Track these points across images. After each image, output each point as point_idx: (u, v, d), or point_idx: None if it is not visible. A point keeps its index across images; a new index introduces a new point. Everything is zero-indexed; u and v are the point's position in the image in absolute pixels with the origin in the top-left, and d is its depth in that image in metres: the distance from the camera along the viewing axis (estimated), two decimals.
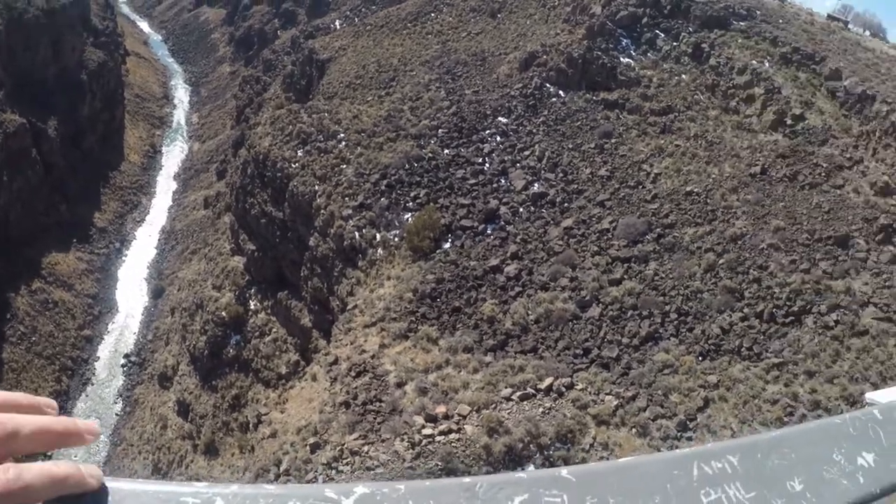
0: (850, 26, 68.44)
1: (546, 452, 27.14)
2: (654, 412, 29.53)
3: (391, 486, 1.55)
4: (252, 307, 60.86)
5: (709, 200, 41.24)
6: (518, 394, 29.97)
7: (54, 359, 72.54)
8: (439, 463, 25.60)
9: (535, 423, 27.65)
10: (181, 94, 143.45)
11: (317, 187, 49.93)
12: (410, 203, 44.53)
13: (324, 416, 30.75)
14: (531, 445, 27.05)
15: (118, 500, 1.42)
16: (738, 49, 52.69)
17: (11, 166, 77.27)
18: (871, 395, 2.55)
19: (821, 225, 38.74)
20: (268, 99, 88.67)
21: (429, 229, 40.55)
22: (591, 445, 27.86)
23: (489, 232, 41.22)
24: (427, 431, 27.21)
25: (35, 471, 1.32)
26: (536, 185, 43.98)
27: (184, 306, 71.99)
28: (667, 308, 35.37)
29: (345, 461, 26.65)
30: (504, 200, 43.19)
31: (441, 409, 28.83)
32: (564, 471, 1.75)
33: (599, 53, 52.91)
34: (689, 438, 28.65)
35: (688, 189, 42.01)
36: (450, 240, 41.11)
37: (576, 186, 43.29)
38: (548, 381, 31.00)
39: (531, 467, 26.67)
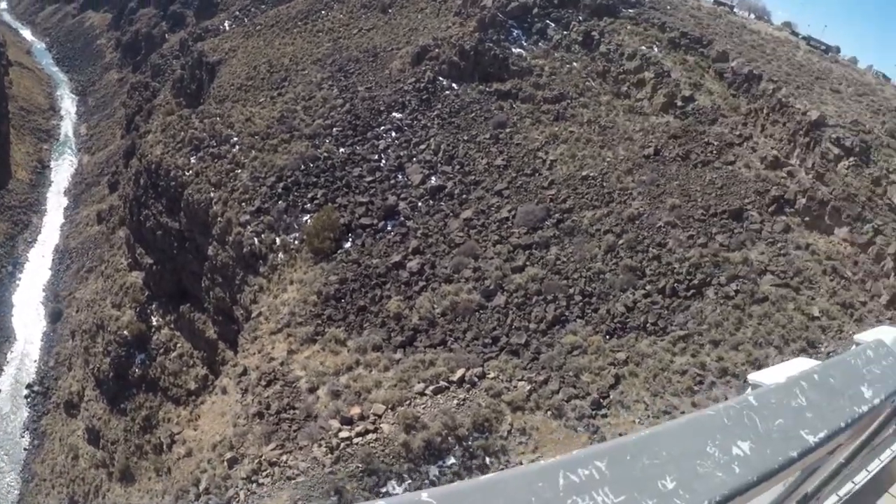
0: (735, 10, 71.40)
1: (465, 443, 27.22)
2: (567, 393, 30.10)
3: None
4: (155, 323, 58.71)
5: (605, 183, 42.16)
6: (431, 388, 29.99)
7: None
8: (360, 465, 25.28)
9: (451, 416, 27.71)
10: (68, 104, 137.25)
11: (212, 194, 48.50)
12: (308, 204, 43.78)
13: (238, 430, 29.99)
14: (449, 438, 27.06)
15: None
16: (627, 35, 54.17)
17: None
18: (753, 377, 2.48)
19: (715, 200, 40.21)
20: (158, 105, 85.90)
21: (328, 230, 39.95)
22: (509, 432, 28.18)
23: (389, 228, 40.98)
24: (344, 434, 26.90)
25: None
26: (434, 178, 44.01)
27: (84, 328, 68.85)
28: (571, 291, 36.03)
29: (264, 473, 26.04)
30: (402, 196, 43.03)
31: (356, 411, 28.55)
32: (425, 494, 1.68)
33: (491, 45, 53.35)
34: (605, 416, 29.33)
35: (584, 173, 42.82)
36: (350, 239, 40.64)
37: (473, 177, 43.50)
38: (459, 372, 31.16)
39: (452, 459, 26.65)
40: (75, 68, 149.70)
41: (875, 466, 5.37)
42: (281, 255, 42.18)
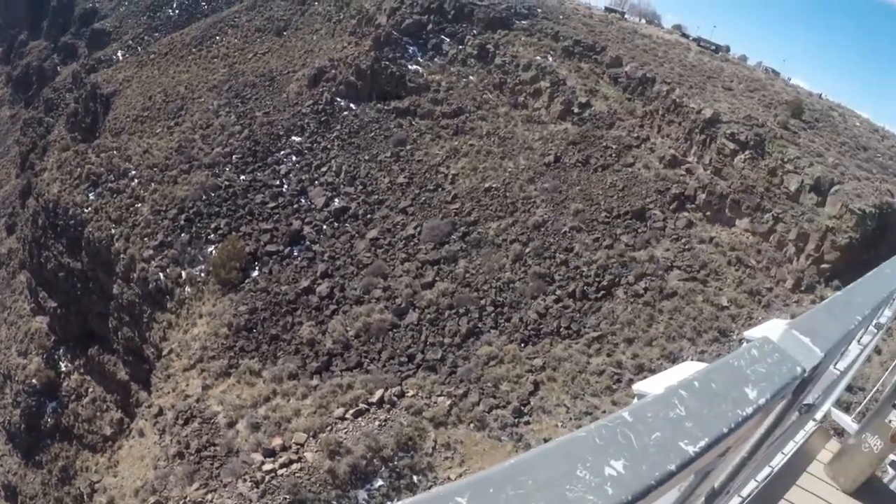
0: (626, 16, 73.92)
1: (391, 464, 27.22)
2: (487, 404, 30.55)
3: None
4: (64, 369, 56.68)
5: (508, 194, 42.96)
6: (351, 411, 29.91)
7: None
8: (287, 497, 25.01)
9: (374, 438, 27.68)
10: None
11: (113, 231, 47.28)
12: (212, 235, 43.16)
13: (159, 472, 29.29)
14: (374, 460, 27.02)
15: None
16: (521, 47, 55.37)
17: None
18: (638, 387, 2.63)
19: (617, 202, 41.47)
20: (53, 141, 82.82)
21: (234, 259, 39.47)
22: (434, 448, 28.34)
23: (296, 254, 40.76)
24: (268, 467, 26.54)
25: None
26: (337, 200, 44.01)
27: None
28: (482, 302, 36.56)
29: None
30: (307, 220, 42.87)
31: (277, 442, 28.26)
32: None
33: (387, 63, 53.73)
34: (527, 423, 29.87)
35: (486, 185, 43.55)
36: (257, 267, 40.27)
37: (376, 197, 43.70)
38: (378, 393, 31.21)
39: (379, 482, 26.66)
40: None
41: (790, 448, 5.78)
42: (188, 288, 41.43)
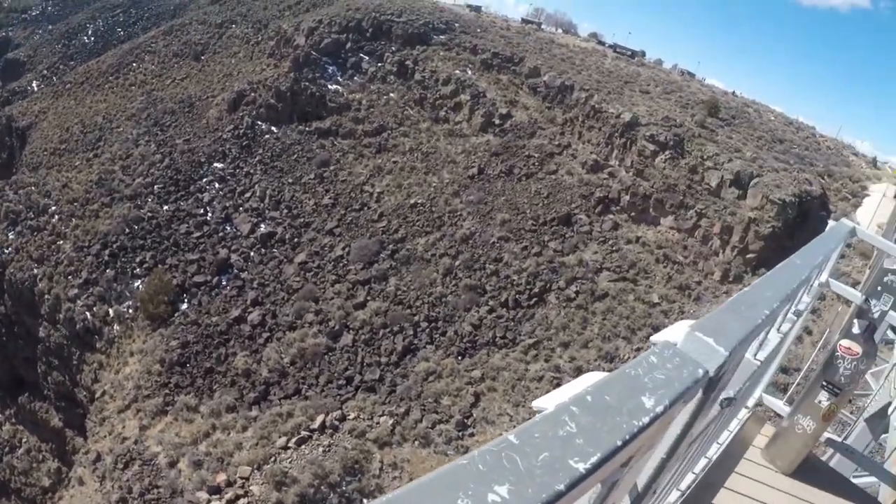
0: (543, 27, 75.42)
1: (339, 489, 27.09)
2: (430, 420, 30.76)
3: None
4: None
5: (434, 208, 43.36)
6: (294, 440, 29.72)
7: None
8: None
9: (319, 465, 27.58)
10: None
11: (36, 270, 45.95)
12: (138, 269, 42.33)
13: None
14: (322, 487, 26.87)
15: None
16: (440, 62, 55.91)
17: None
18: (537, 403, 2.58)
19: (543, 210, 42.24)
20: None
21: (162, 293, 38.84)
22: (381, 469, 28.31)
23: (224, 283, 40.31)
24: None
25: None
26: (263, 225, 43.74)
27: None
28: (416, 318, 36.81)
29: None
30: (233, 248, 42.46)
31: (222, 478, 27.87)
32: None
33: (307, 84, 53.64)
34: (472, 435, 30.13)
35: (412, 201, 43.88)
36: (186, 300, 39.68)
37: (303, 220, 43.59)
38: (319, 419, 31.05)
39: None
40: None
41: (725, 438, 5.91)
42: (116, 326, 40.58)
